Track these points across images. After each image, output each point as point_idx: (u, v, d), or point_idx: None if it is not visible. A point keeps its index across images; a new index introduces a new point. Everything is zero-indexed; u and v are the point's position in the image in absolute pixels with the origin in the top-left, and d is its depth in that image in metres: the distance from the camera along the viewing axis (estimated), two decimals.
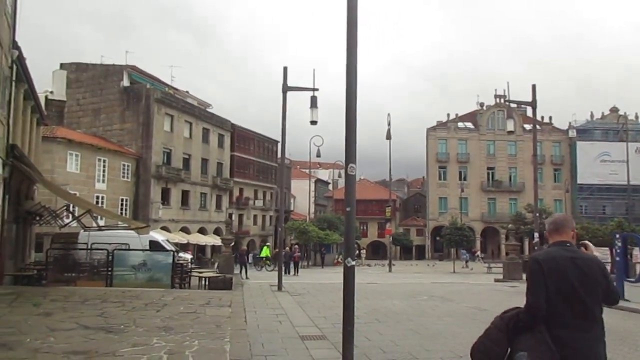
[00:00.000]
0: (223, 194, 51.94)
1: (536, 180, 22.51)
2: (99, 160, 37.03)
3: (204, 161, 48.70)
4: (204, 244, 45.68)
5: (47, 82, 42.68)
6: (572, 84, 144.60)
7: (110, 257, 15.42)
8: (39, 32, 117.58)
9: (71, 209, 20.87)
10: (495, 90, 67.59)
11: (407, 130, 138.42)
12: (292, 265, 31.52)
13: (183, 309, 10.42)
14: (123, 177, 39.39)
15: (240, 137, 56.00)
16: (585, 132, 67.56)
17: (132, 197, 40.10)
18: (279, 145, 18.77)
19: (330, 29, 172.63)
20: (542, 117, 66.06)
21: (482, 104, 69.60)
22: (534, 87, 20.98)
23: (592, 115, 69.83)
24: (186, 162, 45.90)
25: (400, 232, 68.88)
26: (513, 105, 23.47)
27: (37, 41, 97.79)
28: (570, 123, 68.91)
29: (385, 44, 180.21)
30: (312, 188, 66.31)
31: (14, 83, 15.44)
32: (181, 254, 23.82)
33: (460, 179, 65.62)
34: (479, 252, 57.47)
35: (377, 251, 70.69)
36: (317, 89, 16.77)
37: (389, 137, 36.14)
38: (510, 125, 24.54)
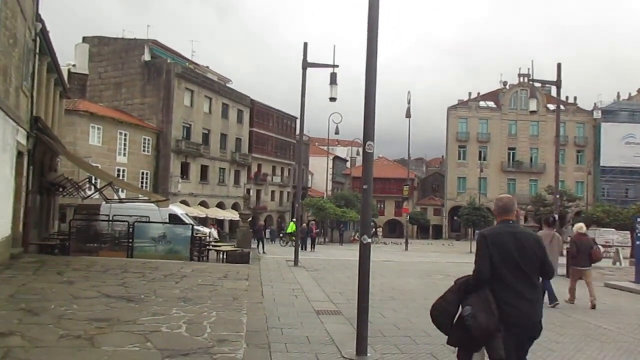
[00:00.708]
0: (241, 169, 52.24)
1: (557, 161, 22.14)
2: (120, 133, 37.47)
3: (223, 136, 48.92)
4: (222, 218, 46.22)
5: (69, 55, 42.99)
6: (600, 63, 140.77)
7: (131, 229, 15.71)
8: (62, 4, 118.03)
9: (93, 181, 21.26)
10: (520, 69, 66.25)
11: (429, 110, 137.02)
12: (309, 241, 31.81)
13: (201, 281, 10.62)
14: (143, 150, 39.86)
15: (260, 113, 55.98)
16: (610, 113, 65.93)
17: (152, 170, 40.63)
18: (298, 121, 18.75)
19: (355, 3, 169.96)
20: (567, 98, 64.61)
21: (505, 83, 68.30)
22: (559, 65, 20.46)
23: (618, 96, 68.11)
24: (205, 137, 46.17)
25: (418, 211, 68.70)
26: (537, 85, 23.04)
27: (60, 14, 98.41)
28: (595, 104, 67.32)
29: (412, 22, 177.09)
30: (330, 165, 66.29)
31: (37, 56, 15.58)
32: (200, 228, 24.14)
33: (480, 159, 64.83)
34: None
35: (393, 230, 70.73)
36: (337, 66, 16.63)
37: (408, 115, 35.81)
38: (532, 105, 24.06)
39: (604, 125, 64.54)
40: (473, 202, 47.57)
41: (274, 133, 59.12)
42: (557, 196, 22.29)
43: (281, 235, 42.94)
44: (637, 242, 14.33)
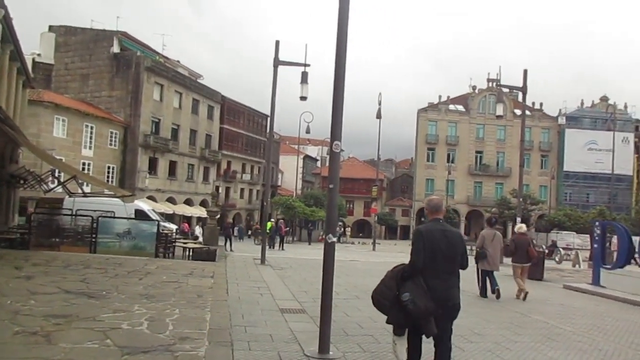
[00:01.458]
0: (211, 166, 51.72)
1: (522, 165, 22.70)
2: (86, 126, 36.60)
3: (193, 132, 48.34)
4: (189, 215, 45.68)
5: (34, 44, 41.84)
6: (570, 71, 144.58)
7: (94, 224, 15.39)
8: None
9: (56, 174, 20.70)
10: (488, 74, 67.31)
11: (402, 112, 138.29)
12: (277, 240, 31.75)
13: (165, 278, 10.49)
14: (110, 144, 39.04)
15: (230, 109, 55.55)
16: (574, 119, 67.83)
17: (119, 165, 39.83)
18: (269, 119, 18.74)
19: (327, 2, 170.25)
20: (533, 104, 66.17)
21: (474, 87, 69.48)
22: (525, 72, 21.01)
23: (582, 103, 70.13)
24: (175, 132, 45.53)
25: (386, 211, 69.33)
26: (505, 90, 23.56)
27: (25, 1, 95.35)
28: (560, 110, 69.18)
29: (386, 22, 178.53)
30: (300, 164, 66.36)
31: None
32: (166, 224, 23.81)
33: (448, 162, 65.84)
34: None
35: (362, 229, 71.19)
36: (308, 65, 16.66)
37: (379, 116, 36.13)
38: (499, 110, 24.63)
39: (568, 132, 66.39)
40: None
41: (244, 130, 58.75)
42: (521, 199, 22.86)
43: (250, 233, 42.76)
44: (595, 246, 14.81)
